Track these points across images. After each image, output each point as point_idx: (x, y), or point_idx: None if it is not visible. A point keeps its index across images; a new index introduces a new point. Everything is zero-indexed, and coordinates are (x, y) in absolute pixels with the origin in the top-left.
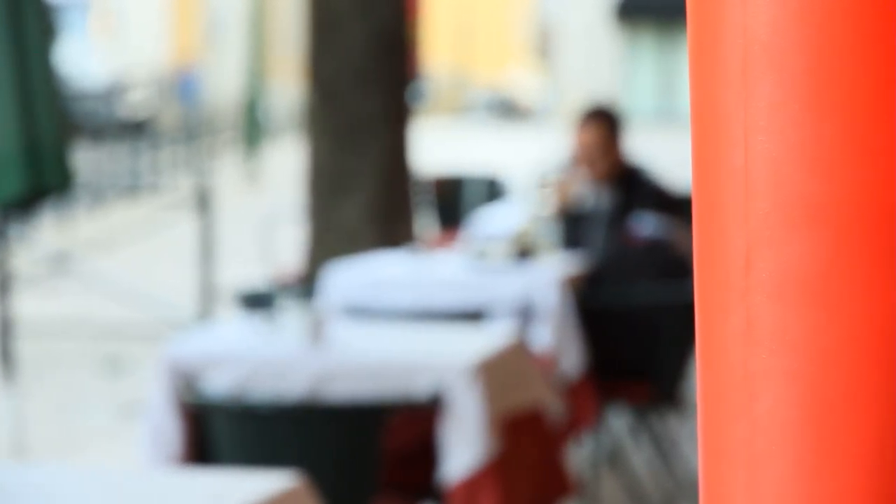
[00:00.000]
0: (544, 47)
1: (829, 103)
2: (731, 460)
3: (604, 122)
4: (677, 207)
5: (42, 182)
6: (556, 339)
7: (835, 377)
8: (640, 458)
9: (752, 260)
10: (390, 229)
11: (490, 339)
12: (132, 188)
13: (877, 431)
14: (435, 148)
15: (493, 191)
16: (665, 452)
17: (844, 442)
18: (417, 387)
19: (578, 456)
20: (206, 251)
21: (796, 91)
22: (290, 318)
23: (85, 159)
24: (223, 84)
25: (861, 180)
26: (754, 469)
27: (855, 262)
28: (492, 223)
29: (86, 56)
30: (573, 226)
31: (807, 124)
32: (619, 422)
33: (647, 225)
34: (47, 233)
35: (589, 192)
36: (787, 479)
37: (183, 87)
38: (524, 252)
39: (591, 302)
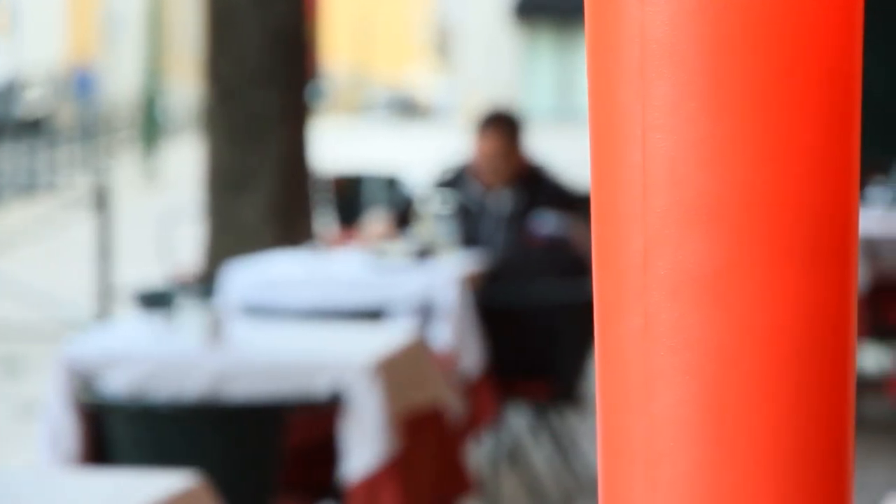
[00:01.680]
0: (443, 46)
1: (725, 101)
2: (629, 458)
3: (504, 129)
4: (578, 206)
5: None
6: (455, 337)
7: (732, 374)
8: (539, 455)
9: (650, 258)
10: (289, 228)
11: (390, 337)
12: (29, 187)
13: (774, 428)
14: (334, 146)
15: (392, 189)
16: (565, 450)
17: (742, 439)
18: (317, 386)
19: (478, 454)
20: (104, 250)
21: (693, 89)
22: (189, 318)
23: None
24: (121, 82)
25: (757, 178)
26: (653, 466)
27: (752, 260)
28: None
29: None
30: (473, 224)
31: (703, 122)
32: (518, 420)
33: (547, 224)
34: None
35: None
36: (685, 476)
37: (79, 84)
38: (424, 251)
39: (491, 300)
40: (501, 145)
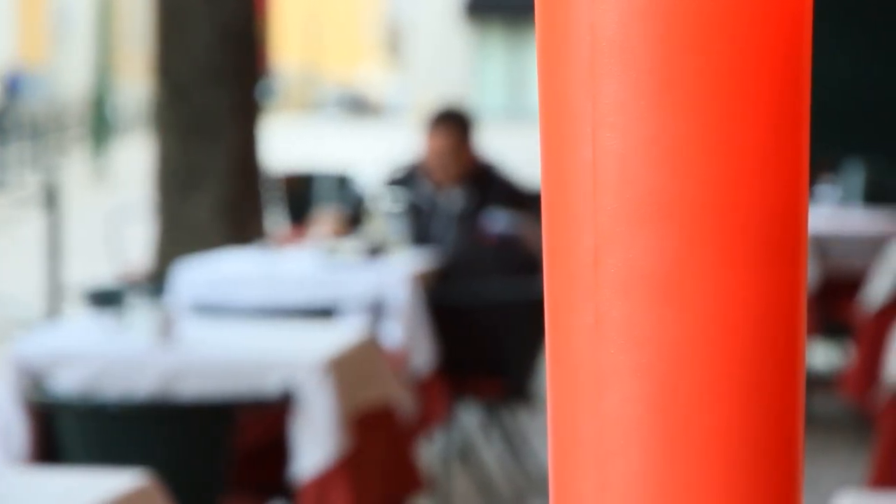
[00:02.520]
0: (394, 44)
1: (675, 100)
2: (580, 456)
3: (453, 127)
4: (529, 204)
5: None
6: (407, 335)
7: (683, 373)
8: (491, 453)
9: (601, 256)
10: (240, 226)
11: (341, 335)
12: None
13: (725, 426)
14: (285, 144)
15: (343, 187)
16: (516, 448)
17: (693, 437)
18: (268, 384)
19: (429, 452)
20: (54, 249)
21: (643, 88)
22: (139, 316)
23: None
24: (71, 80)
25: (707, 177)
26: (604, 464)
27: (702, 258)
28: None
29: None
30: (424, 223)
31: (653, 121)
32: (469, 418)
33: (498, 222)
34: None
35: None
36: (635, 474)
37: (11, 86)
38: (375, 249)
39: (442, 298)
40: (451, 143)
